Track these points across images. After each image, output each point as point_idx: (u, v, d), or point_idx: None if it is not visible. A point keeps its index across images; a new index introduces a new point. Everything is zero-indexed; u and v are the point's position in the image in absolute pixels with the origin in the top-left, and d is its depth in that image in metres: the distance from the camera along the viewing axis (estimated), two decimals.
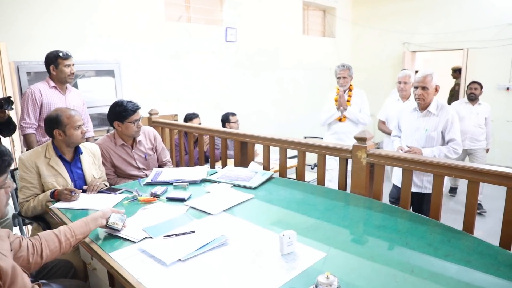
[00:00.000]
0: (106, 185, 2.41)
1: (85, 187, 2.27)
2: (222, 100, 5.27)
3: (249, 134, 2.71)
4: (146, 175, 2.72)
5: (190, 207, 1.97)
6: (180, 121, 4.39)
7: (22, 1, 3.45)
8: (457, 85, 6.65)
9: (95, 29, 3.89)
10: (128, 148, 2.73)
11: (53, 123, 2.16)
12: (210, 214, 1.88)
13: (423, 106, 2.63)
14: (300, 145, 2.39)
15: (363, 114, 3.80)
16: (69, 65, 2.95)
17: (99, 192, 2.26)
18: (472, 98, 4.30)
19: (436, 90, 2.61)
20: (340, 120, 3.81)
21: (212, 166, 3.06)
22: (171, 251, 1.50)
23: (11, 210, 2.72)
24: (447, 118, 2.56)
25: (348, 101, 3.80)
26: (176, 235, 1.63)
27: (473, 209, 1.71)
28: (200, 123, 3.91)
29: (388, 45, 6.83)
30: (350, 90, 3.84)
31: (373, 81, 6.90)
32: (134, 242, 1.61)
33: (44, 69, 3.17)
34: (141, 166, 2.79)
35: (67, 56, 2.94)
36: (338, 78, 3.79)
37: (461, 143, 2.56)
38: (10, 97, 2.60)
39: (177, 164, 3.56)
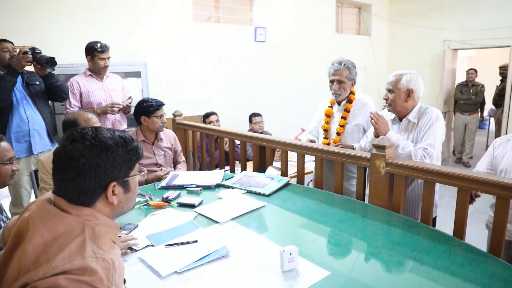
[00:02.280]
0: None
1: None
2: (250, 100, 5.22)
3: (267, 139, 2.63)
4: None
5: (199, 214, 1.93)
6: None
7: (51, 5, 3.58)
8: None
9: (122, 30, 3.97)
10: (149, 145, 2.87)
11: (71, 127, 2.20)
12: (217, 222, 1.82)
13: (399, 115, 2.18)
14: (317, 151, 2.29)
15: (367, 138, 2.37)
16: (103, 59, 3.13)
17: None
18: None
19: (408, 95, 2.10)
20: (328, 144, 2.54)
21: (232, 170, 3.02)
22: (168, 262, 1.46)
23: None
24: (425, 121, 2.07)
25: (343, 118, 2.52)
26: (177, 244, 1.60)
27: (502, 229, 1.53)
28: (217, 119, 3.97)
29: (427, 43, 6.47)
30: (349, 101, 2.54)
31: None
32: (136, 250, 1.59)
33: (72, 71, 3.32)
34: (159, 162, 2.88)
35: (103, 50, 3.10)
36: (331, 82, 2.52)
37: (437, 154, 2.05)
38: (54, 58, 2.77)
39: (200, 166, 3.56)
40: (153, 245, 1.61)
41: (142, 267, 1.45)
